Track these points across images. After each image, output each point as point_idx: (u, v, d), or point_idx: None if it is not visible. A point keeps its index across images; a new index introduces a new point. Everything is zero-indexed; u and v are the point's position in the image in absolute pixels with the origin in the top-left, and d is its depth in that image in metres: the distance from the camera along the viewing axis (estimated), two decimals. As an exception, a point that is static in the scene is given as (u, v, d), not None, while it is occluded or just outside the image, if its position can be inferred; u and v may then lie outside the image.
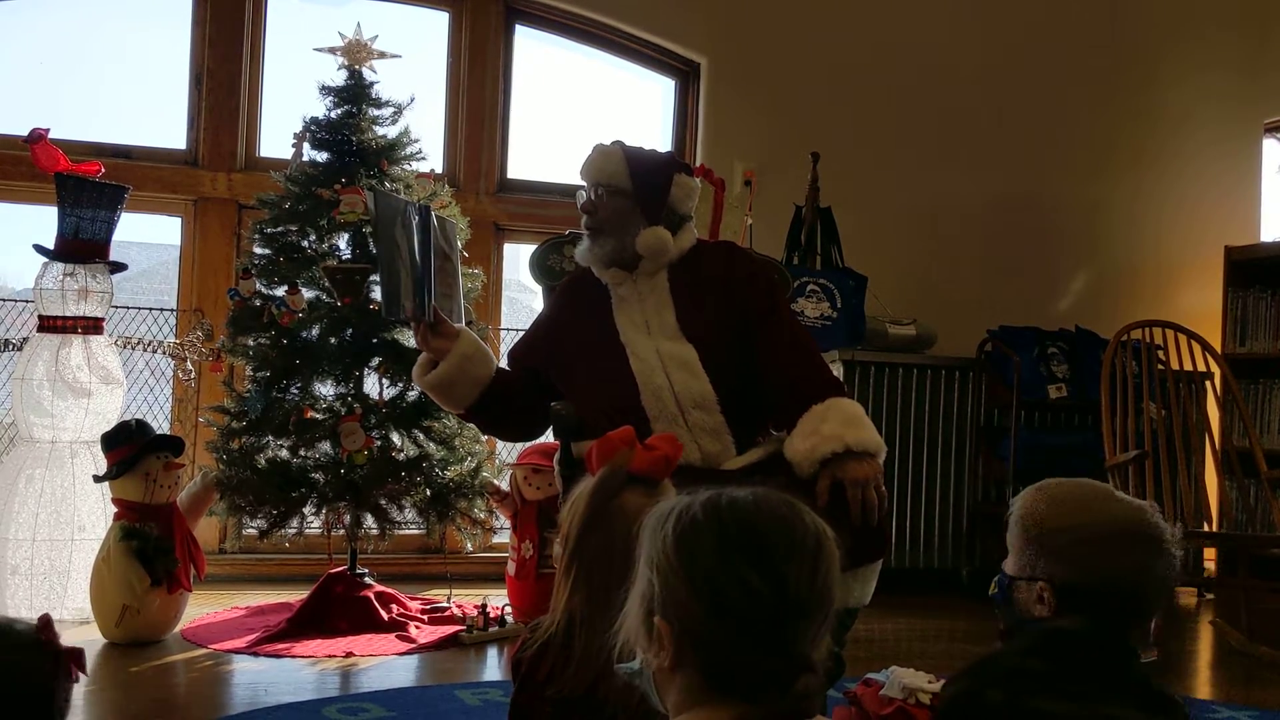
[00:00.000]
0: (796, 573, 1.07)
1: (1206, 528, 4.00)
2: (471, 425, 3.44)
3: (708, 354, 2.43)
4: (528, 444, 3.74)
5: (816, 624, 1.07)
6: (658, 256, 2.52)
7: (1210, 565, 4.66)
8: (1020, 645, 1.38)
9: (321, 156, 3.46)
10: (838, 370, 4.05)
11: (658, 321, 2.50)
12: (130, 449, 3.16)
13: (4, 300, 4.04)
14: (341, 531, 3.37)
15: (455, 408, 2.67)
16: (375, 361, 3.39)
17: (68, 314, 3.41)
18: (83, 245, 3.39)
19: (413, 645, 3.13)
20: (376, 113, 3.51)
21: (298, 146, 3.46)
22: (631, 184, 2.54)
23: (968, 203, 4.81)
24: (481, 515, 3.50)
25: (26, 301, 3.75)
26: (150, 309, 4.19)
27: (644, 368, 2.43)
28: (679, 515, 1.11)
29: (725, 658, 1.06)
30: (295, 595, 3.49)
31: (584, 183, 2.61)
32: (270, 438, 3.32)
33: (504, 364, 2.73)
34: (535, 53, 4.62)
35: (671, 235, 2.53)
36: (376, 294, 3.44)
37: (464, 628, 3.26)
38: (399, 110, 3.54)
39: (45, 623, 1.28)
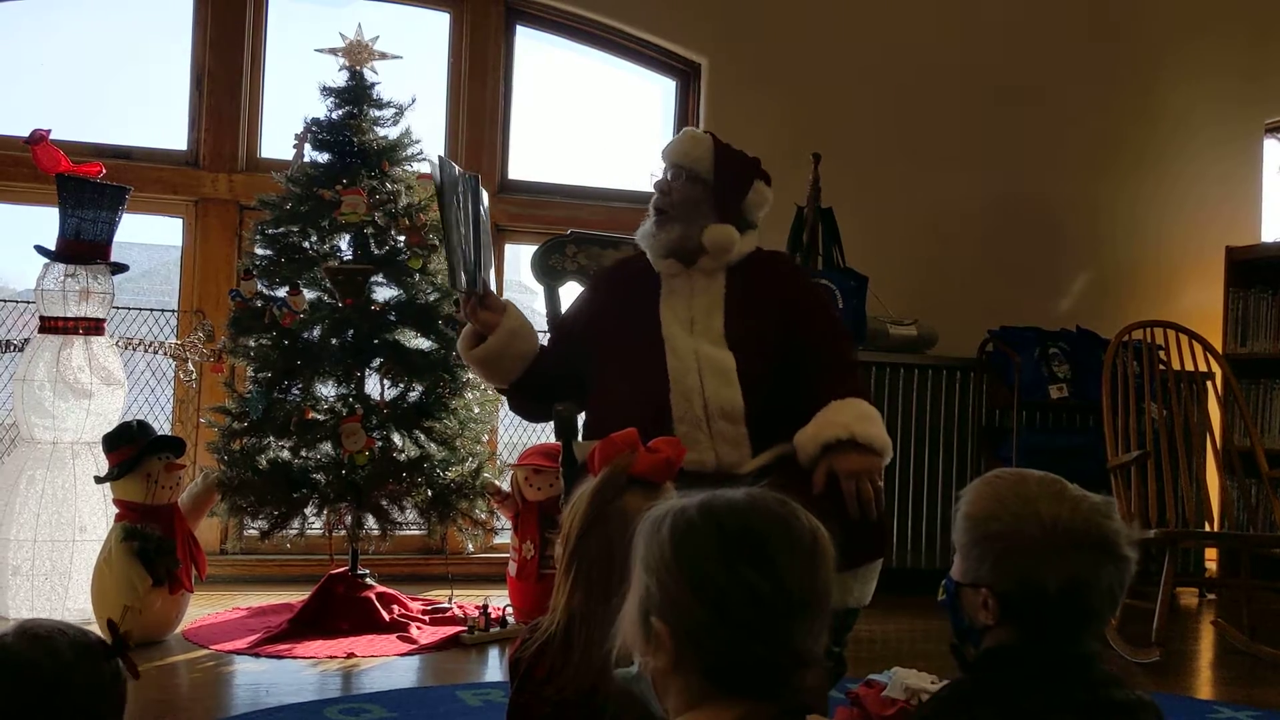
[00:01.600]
0: (795, 570, 1.07)
1: (1208, 527, 4.00)
2: (472, 426, 3.45)
3: (746, 364, 2.40)
4: (531, 445, 3.75)
5: (816, 620, 1.08)
6: (721, 254, 2.50)
7: (1212, 565, 4.66)
8: (973, 672, 1.38)
9: (323, 157, 3.46)
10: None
11: (704, 323, 2.47)
12: (131, 450, 3.16)
13: (5, 301, 4.04)
14: (343, 532, 3.37)
15: (499, 382, 2.64)
16: (376, 362, 3.39)
17: (69, 315, 3.41)
18: (84, 246, 3.40)
19: (414, 646, 3.13)
20: (378, 113, 3.51)
21: (299, 147, 3.46)
22: (714, 174, 2.52)
23: (969, 203, 4.81)
24: (483, 516, 3.50)
25: (28, 302, 3.75)
26: (151, 310, 4.19)
27: (680, 366, 2.40)
28: (674, 518, 1.11)
29: (727, 657, 1.06)
30: (296, 596, 3.49)
31: (663, 162, 2.58)
32: (271, 439, 3.32)
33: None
34: (535, 53, 4.63)
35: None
36: (377, 295, 3.44)
37: (465, 628, 3.26)
38: (400, 111, 3.54)
39: (115, 627, 1.31)
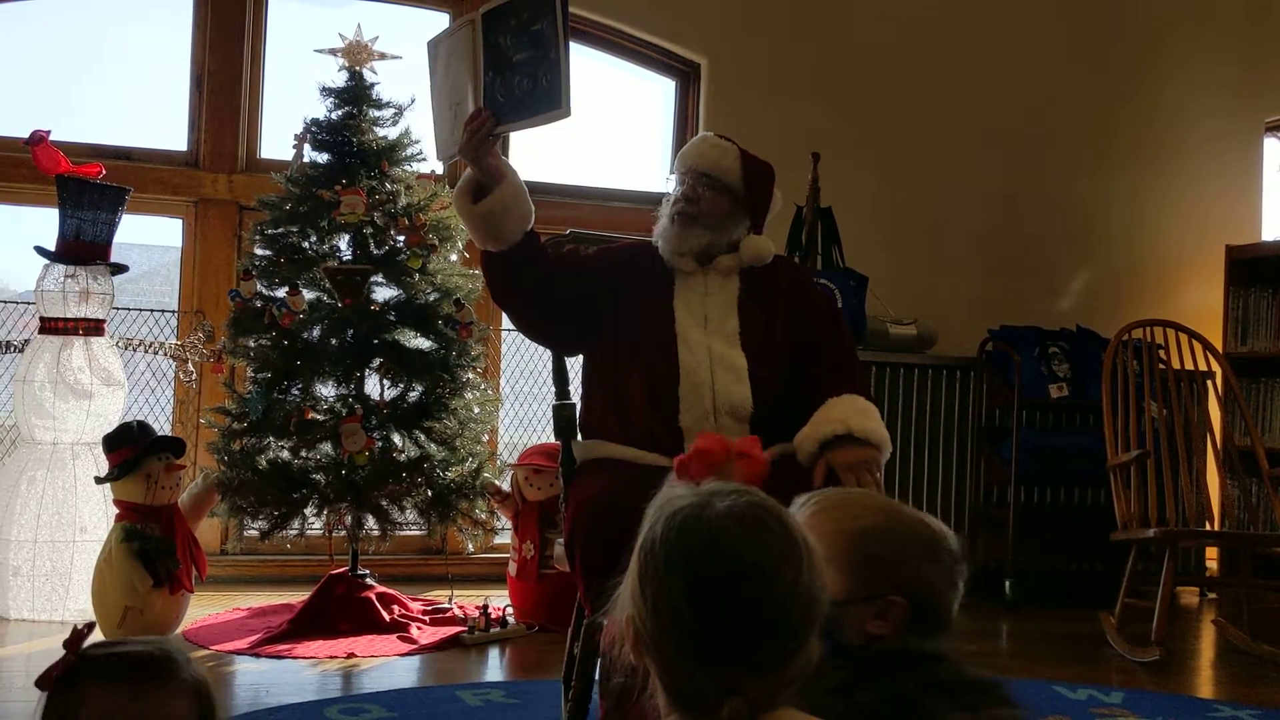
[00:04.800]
0: (728, 602, 1.05)
1: (1208, 527, 4.00)
2: (472, 426, 3.44)
3: (758, 366, 2.42)
4: (531, 445, 3.74)
5: (766, 649, 1.06)
6: (757, 262, 2.53)
7: (1212, 565, 4.66)
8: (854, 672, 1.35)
9: (322, 158, 3.46)
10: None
11: (718, 321, 2.48)
12: (132, 450, 3.16)
13: (5, 302, 4.05)
14: (343, 532, 3.37)
15: (497, 245, 2.45)
16: (376, 362, 3.39)
17: (69, 316, 3.41)
18: (84, 247, 3.40)
19: (414, 646, 3.13)
20: (377, 114, 3.51)
21: (298, 148, 3.46)
22: (743, 185, 2.53)
23: (968, 202, 4.81)
24: (483, 516, 3.50)
25: (28, 303, 3.75)
26: (151, 310, 4.19)
27: (692, 360, 2.41)
28: (658, 520, 1.10)
29: (668, 666, 1.06)
30: (297, 596, 3.49)
31: (684, 168, 2.56)
32: (271, 439, 3.32)
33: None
34: (535, 53, 4.61)
35: None
36: (377, 295, 3.44)
37: (465, 628, 3.27)
38: (399, 111, 3.54)
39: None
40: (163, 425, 4.05)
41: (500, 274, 2.52)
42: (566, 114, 2.28)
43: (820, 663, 1.24)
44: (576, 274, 2.59)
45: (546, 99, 2.30)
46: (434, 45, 2.55)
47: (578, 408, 2.75)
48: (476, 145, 2.35)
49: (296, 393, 3.35)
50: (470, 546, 3.80)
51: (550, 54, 2.28)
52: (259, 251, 3.43)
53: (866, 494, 1.51)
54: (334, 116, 3.47)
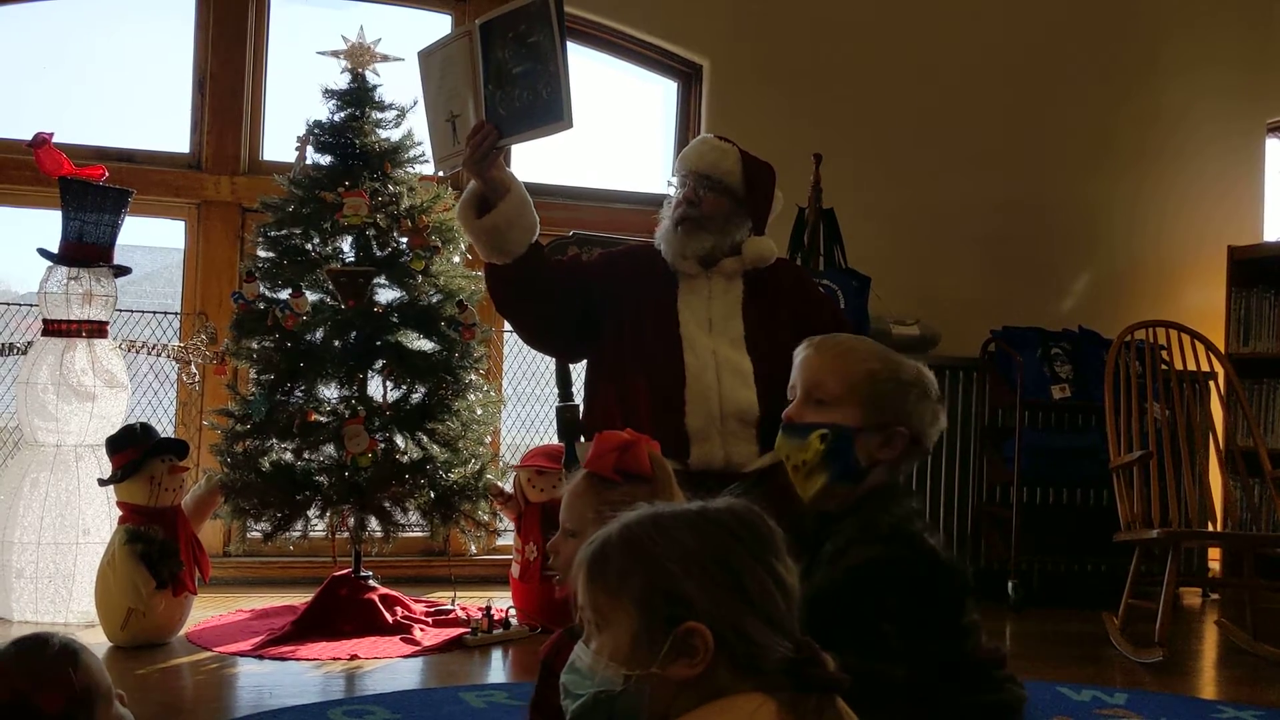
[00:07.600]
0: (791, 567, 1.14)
1: (1211, 528, 4.00)
2: (474, 428, 3.44)
3: (763, 369, 2.42)
4: (534, 446, 3.74)
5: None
6: (759, 264, 2.54)
7: (1215, 565, 4.65)
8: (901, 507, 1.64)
9: (325, 159, 3.46)
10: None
11: (722, 324, 2.48)
12: (135, 452, 3.16)
13: (8, 304, 4.05)
14: (346, 534, 3.37)
15: (502, 258, 2.46)
16: (379, 364, 3.39)
17: (72, 318, 3.41)
18: (87, 249, 3.40)
19: (417, 648, 3.13)
20: (379, 116, 3.51)
21: (301, 150, 3.46)
22: (744, 187, 2.53)
23: (970, 203, 4.81)
24: (485, 518, 3.50)
25: (31, 305, 3.75)
26: (154, 312, 4.19)
27: (697, 365, 2.41)
28: (698, 520, 1.13)
29: (763, 649, 1.08)
30: (300, 598, 3.49)
31: (684, 170, 2.56)
32: (274, 441, 3.32)
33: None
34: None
35: None
36: (379, 297, 3.44)
37: (468, 630, 3.27)
38: (402, 113, 3.54)
39: None
40: (165, 427, 4.05)
41: (504, 288, 2.53)
42: (568, 125, 2.30)
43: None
44: (578, 283, 2.59)
45: (547, 111, 2.31)
46: (426, 56, 2.55)
47: (580, 409, 2.76)
48: (480, 159, 2.35)
49: (299, 394, 3.35)
50: (473, 548, 3.80)
51: (549, 66, 2.29)
52: (262, 253, 3.43)
53: (864, 340, 1.76)
54: (336, 118, 3.48)
